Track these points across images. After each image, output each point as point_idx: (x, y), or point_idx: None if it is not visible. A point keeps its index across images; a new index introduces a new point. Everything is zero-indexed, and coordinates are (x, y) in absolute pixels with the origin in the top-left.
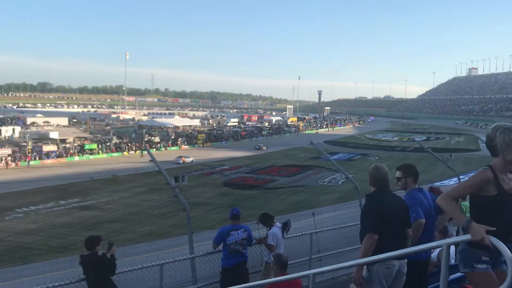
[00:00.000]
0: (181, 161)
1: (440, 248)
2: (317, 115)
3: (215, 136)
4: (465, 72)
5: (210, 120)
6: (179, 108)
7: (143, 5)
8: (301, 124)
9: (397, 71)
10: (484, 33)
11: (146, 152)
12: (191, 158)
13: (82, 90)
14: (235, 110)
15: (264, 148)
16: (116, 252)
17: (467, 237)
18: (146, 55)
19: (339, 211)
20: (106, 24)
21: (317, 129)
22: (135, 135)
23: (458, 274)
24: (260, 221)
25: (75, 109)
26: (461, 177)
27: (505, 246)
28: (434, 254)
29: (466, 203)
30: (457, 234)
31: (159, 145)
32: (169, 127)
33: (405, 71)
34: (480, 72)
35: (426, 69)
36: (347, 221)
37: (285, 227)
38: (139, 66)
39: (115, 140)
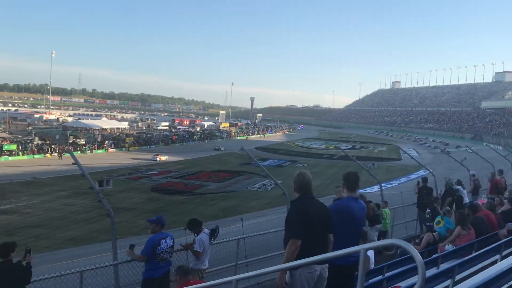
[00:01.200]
0: (157, 159)
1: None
2: (249, 122)
3: (144, 140)
4: (389, 85)
5: (140, 123)
6: (107, 110)
7: (71, 0)
8: (233, 130)
9: (326, 81)
10: (408, 49)
11: (69, 154)
12: (166, 157)
13: (2, 88)
14: (166, 114)
15: (222, 148)
16: (33, 259)
17: (386, 242)
18: (74, 54)
19: (267, 217)
20: (30, 19)
21: (248, 135)
22: (59, 137)
23: (378, 278)
24: (188, 227)
25: None
26: (383, 184)
27: (416, 250)
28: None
29: (387, 210)
30: (378, 240)
31: (84, 147)
32: (96, 129)
33: (334, 82)
34: (403, 86)
35: (353, 81)
36: (276, 226)
37: (213, 233)
38: (66, 64)
39: (37, 141)
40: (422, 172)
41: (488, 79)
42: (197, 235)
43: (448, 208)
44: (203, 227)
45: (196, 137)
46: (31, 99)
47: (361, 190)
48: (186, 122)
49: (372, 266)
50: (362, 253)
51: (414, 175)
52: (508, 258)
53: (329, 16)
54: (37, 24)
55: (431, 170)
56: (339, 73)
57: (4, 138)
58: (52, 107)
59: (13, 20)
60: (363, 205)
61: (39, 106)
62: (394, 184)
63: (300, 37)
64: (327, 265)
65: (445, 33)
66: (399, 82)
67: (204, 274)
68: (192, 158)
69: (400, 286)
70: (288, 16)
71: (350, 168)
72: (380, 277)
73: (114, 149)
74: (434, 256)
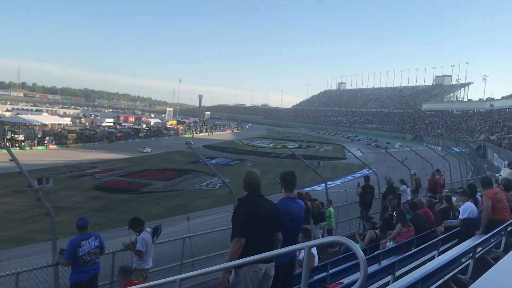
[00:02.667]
0: (144, 151)
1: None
2: (197, 119)
3: (87, 136)
4: (336, 85)
5: (83, 119)
6: (48, 105)
7: None
8: (181, 128)
9: (274, 81)
10: (354, 51)
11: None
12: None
13: None
14: (111, 110)
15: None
16: None
17: (329, 239)
18: (12, 44)
19: (214, 215)
20: None
21: (196, 133)
22: None
23: (322, 275)
24: (130, 226)
25: None
26: (328, 183)
27: (358, 247)
28: (301, 255)
29: (331, 209)
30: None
31: (23, 143)
32: (36, 125)
33: (282, 81)
34: (348, 87)
35: (300, 81)
36: (222, 225)
37: (156, 232)
38: (4, 56)
39: None
40: (366, 171)
41: (429, 82)
42: (139, 234)
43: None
44: (145, 226)
45: (142, 135)
46: None
47: (307, 188)
48: (132, 119)
49: (316, 264)
50: (306, 250)
51: (358, 174)
52: (445, 253)
53: (276, 16)
54: None
55: (374, 169)
56: (287, 73)
57: None
58: None
59: None
60: (301, 205)
61: None
62: (339, 183)
63: (249, 37)
64: (273, 263)
65: (389, 37)
66: (345, 83)
67: (148, 274)
68: (138, 155)
69: (343, 283)
70: (236, 14)
71: (297, 167)
72: (324, 273)
73: (55, 146)
74: (376, 252)
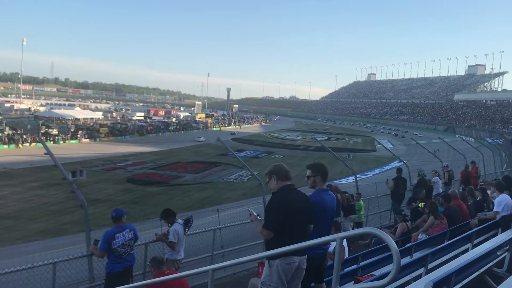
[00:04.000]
0: (201, 140)
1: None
2: (225, 113)
3: (118, 130)
4: (365, 77)
5: (114, 113)
6: (80, 100)
7: None
8: (210, 121)
9: (302, 73)
10: (384, 42)
11: (20, 145)
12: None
13: None
14: (141, 104)
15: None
16: None
17: (360, 230)
18: (46, 42)
19: (243, 207)
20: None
21: (224, 126)
22: (30, 127)
23: (352, 267)
24: (161, 217)
25: None
26: (357, 175)
27: (391, 238)
28: (331, 248)
29: (361, 202)
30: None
31: (57, 138)
32: (69, 119)
33: (310, 73)
34: (378, 78)
35: (329, 72)
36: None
37: (187, 223)
38: (38, 53)
39: (8, 131)
40: (397, 163)
41: (461, 72)
42: (171, 226)
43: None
44: (176, 217)
45: (172, 128)
46: (1, 88)
47: (336, 181)
48: (162, 112)
49: (346, 256)
50: (338, 242)
51: (389, 166)
52: (479, 246)
53: (306, 8)
54: (8, 10)
55: (405, 161)
56: (316, 64)
57: None
58: (23, 96)
59: None
60: (334, 197)
61: (9, 95)
62: (368, 175)
63: (277, 29)
64: (305, 256)
65: (420, 26)
66: (374, 74)
67: (180, 265)
68: (168, 149)
69: (375, 275)
70: (265, 8)
71: (326, 159)
72: (355, 266)
73: (88, 140)
74: (407, 245)
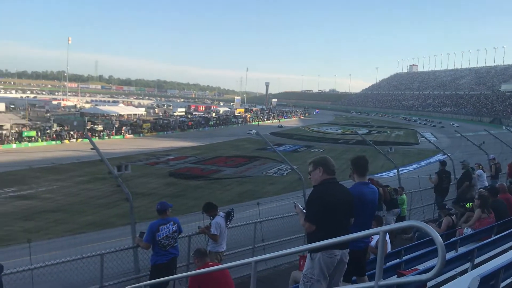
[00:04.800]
0: (252, 132)
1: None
2: (264, 107)
3: (161, 126)
4: (406, 68)
5: (156, 109)
6: (123, 96)
7: None
8: (249, 116)
9: (342, 65)
10: (425, 31)
11: (65, 140)
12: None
13: (21, 75)
14: (182, 100)
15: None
16: None
17: (404, 224)
18: (90, 41)
19: (283, 201)
20: (47, 6)
21: (262, 120)
22: (77, 123)
23: (395, 261)
24: (204, 210)
25: (13, 94)
26: (400, 169)
27: (436, 232)
28: (373, 242)
29: (404, 196)
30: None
31: (102, 133)
32: (113, 116)
33: (350, 66)
34: (420, 69)
35: (369, 65)
36: (291, 210)
37: (228, 216)
38: (83, 51)
39: (55, 127)
40: (440, 156)
41: (508, 61)
42: (213, 219)
43: None
44: (218, 210)
45: (212, 123)
46: (49, 86)
47: (378, 175)
48: (202, 108)
49: (389, 250)
50: (381, 235)
51: (432, 159)
52: None
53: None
54: (54, 11)
55: (449, 154)
56: (356, 56)
57: (23, 125)
58: (69, 93)
59: (30, 8)
60: (375, 189)
61: (57, 93)
62: (411, 169)
63: (316, 21)
64: (348, 250)
65: (464, 14)
66: (416, 65)
67: (222, 257)
68: (208, 143)
69: (418, 269)
70: (302, 3)
71: (367, 153)
72: (398, 260)
73: (131, 135)
74: (452, 239)
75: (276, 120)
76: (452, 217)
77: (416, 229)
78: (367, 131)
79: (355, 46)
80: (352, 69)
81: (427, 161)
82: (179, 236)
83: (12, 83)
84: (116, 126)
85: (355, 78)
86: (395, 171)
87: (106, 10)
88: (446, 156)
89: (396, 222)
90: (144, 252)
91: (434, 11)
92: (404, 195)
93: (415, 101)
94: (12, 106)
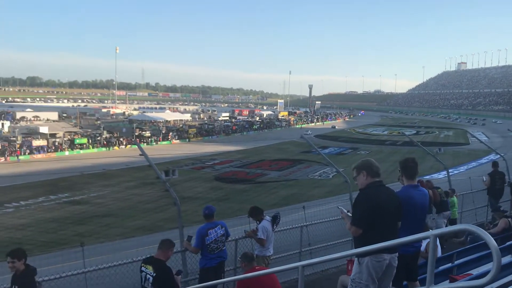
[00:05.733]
0: (308, 133)
1: (428, 240)
2: (308, 110)
3: (206, 131)
4: (455, 66)
5: (201, 115)
6: (169, 103)
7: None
8: (292, 119)
9: (387, 65)
10: (473, 28)
11: (115, 147)
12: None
13: (72, 85)
14: (226, 105)
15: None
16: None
17: (455, 227)
18: (137, 49)
19: (329, 205)
20: (95, 17)
21: (306, 123)
22: (125, 130)
23: (447, 265)
24: (250, 215)
25: (65, 103)
26: (450, 170)
27: (490, 236)
28: (423, 246)
29: (454, 199)
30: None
31: (150, 139)
32: (160, 122)
33: (395, 65)
34: (469, 67)
35: (415, 64)
36: (338, 214)
37: (275, 220)
38: (130, 60)
39: (105, 134)
40: (492, 156)
41: None
42: (259, 223)
43: None
44: (264, 214)
45: (256, 127)
46: (99, 94)
47: (427, 176)
48: (246, 112)
49: (439, 255)
50: (432, 239)
51: (484, 160)
52: None
53: None
54: (102, 22)
55: (502, 154)
56: (401, 55)
57: (75, 133)
58: (118, 101)
59: (80, 20)
60: (425, 192)
61: (106, 101)
62: (462, 170)
63: (359, 21)
64: (396, 254)
65: None
66: (465, 63)
67: (269, 261)
68: (253, 147)
69: (472, 274)
70: (345, 3)
71: (415, 154)
72: (450, 264)
73: (178, 141)
74: (508, 243)
75: (320, 123)
76: (509, 219)
77: (468, 233)
78: (415, 131)
79: (401, 45)
80: (397, 68)
81: (479, 161)
82: (226, 240)
83: (64, 92)
84: (163, 132)
85: (400, 78)
86: (444, 172)
87: (151, 19)
88: (499, 156)
89: (447, 225)
90: (192, 256)
91: (481, 7)
92: (455, 197)
93: (464, 100)
94: (65, 114)
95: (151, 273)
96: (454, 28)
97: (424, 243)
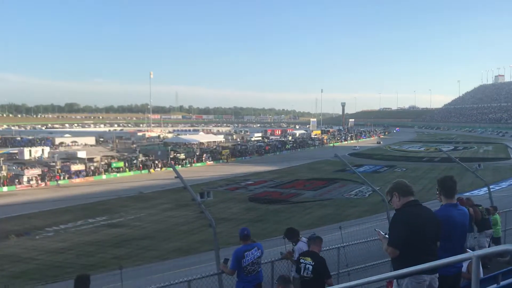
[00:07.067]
0: (357, 148)
1: (469, 261)
2: (341, 128)
3: (239, 151)
4: (492, 79)
5: (234, 136)
6: (203, 125)
7: (164, 24)
8: (325, 137)
9: (421, 80)
10: (510, 39)
11: (151, 170)
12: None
13: (108, 110)
14: (259, 125)
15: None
16: None
17: (499, 248)
18: (170, 74)
19: (366, 224)
20: (129, 44)
21: (340, 141)
22: (161, 153)
23: (493, 286)
24: (285, 236)
25: (102, 128)
26: (491, 186)
27: None
28: (464, 267)
29: (497, 216)
30: (489, 246)
31: (184, 161)
32: (194, 144)
33: (430, 80)
34: (507, 79)
35: (451, 78)
36: (375, 234)
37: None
38: (163, 84)
39: (141, 157)
40: None
41: None
42: (296, 244)
43: None
44: (300, 235)
45: (289, 146)
46: (134, 118)
47: (467, 193)
48: (278, 132)
49: (481, 276)
50: (474, 261)
51: None
52: None
53: (419, 10)
54: (136, 48)
55: None
56: (436, 70)
57: (112, 157)
58: (153, 125)
59: (114, 46)
60: (465, 211)
61: (141, 125)
62: (503, 186)
63: (390, 36)
64: (437, 275)
65: None
66: (502, 75)
67: None
68: (286, 167)
69: None
70: (376, 18)
71: (453, 171)
72: (495, 285)
73: (212, 162)
74: None
75: (355, 141)
76: None
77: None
78: (453, 147)
79: (435, 60)
80: (432, 83)
81: None
82: (262, 261)
83: (100, 117)
84: (197, 153)
85: (435, 93)
86: (485, 189)
87: (184, 44)
88: None
89: (490, 244)
90: (228, 278)
91: None
92: (497, 214)
93: (503, 114)
94: (102, 139)
95: (310, 263)
96: (490, 40)
97: (465, 264)
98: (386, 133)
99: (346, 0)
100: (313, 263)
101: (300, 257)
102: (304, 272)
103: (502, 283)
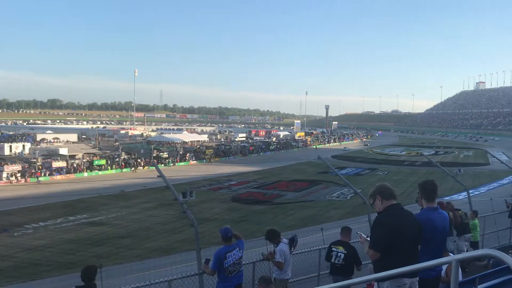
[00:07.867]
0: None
1: (448, 265)
2: (324, 130)
3: (223, 151)
4: (473, 86)
5: (218, 135)
6: (187, 124)
7: (150, 22)
8: (309, 139)
9: (404, 85)
10: (492, 47)
11: (134, 169)
12: None
13: (92, 107)
14: (243, 125)
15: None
16: None
17: (478, 252)
18: (155, 72)
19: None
20: (114, 41)
21: (319, 144)
22: (143, 151)
23: None
24: (267, 237)
25: (85, 125)
26: (470, 191)
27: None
28: (443, 271)
29: (476, 221)
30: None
31: (167, 160)
32: (178, 143)
33: (413, 85)
34: (488, 86)
35: (433, 83)
36: (357, 236)
37: (292, 242)
38: (148, 82)
39: (123, 156)
40: None
41: None
42: (277, 246)
43: None
44: (281, 237)
45: (272, 147)
46: (117, 116)
47: (447, 198)
48: (262, 133)
49: (460, 279)
50: (454, 264)
51: (505, 180)
52: None
53: (404, 16)
54: (121, 45)
55: None
56: (419, 75)
57: (94, 154)
58: (136, 123)
59: (99, 43)
60: (445, 215)
61: (124, 123)
62: (482, 190)
63: (376, 41)
64: (417, 278)
65: None
66: (483, 82)
67: (288, 284)
68: (269, 168)
69: None
70: (361, 22)
71: (434, 175)
72: None
73: (195, 161)
74: None
75: (337, 143)
76: None
77: (491, 258)
78: (433, 152)
79: (418, 65)
80: (415, 89)
81: (500, 182)
82: (244, 262)
83: (83, 114)
84: (181, 153)
85: (418, 98)
86: (465, 193)
87: (169, 42)
88: None
89: (468, 248)
90: (209, 278)
91: (499, 26)
92: (477, 219)
93: (483, 120)
94: (84, 136)
95: (342, 251)
96: (472, 47)
97: (444, 267)
98: (369, 136)
99: (332, 3)
100: (346, 251)
101: (332, 246)
102: (335, 259)
103: (480, 286)
